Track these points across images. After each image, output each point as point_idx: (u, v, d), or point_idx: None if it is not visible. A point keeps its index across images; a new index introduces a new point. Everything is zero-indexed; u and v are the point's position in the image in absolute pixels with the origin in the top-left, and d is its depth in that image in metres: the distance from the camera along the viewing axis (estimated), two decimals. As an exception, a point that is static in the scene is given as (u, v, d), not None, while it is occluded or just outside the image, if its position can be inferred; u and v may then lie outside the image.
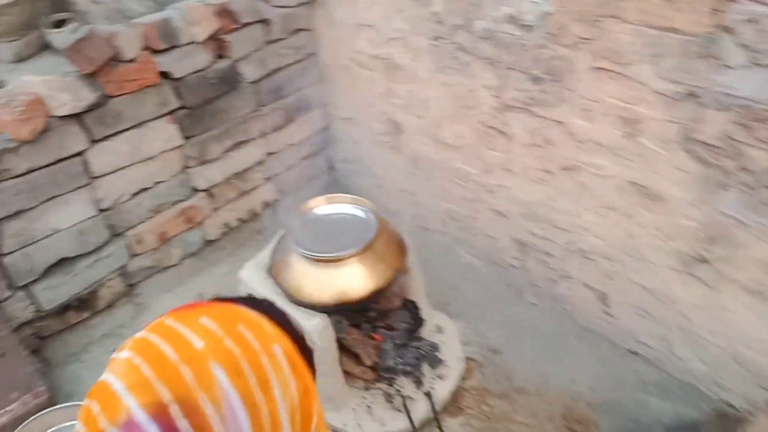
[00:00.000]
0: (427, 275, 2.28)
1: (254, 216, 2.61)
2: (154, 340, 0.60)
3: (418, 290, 1.96)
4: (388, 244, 1.74)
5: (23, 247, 1.97)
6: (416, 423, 1.78)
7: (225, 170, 2.41)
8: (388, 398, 1.83)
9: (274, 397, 0.60)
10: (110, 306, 2.26)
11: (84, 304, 2.17)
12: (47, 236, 2.01)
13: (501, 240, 2.22)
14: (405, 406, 1.79)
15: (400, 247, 1.79)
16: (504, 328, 2.13)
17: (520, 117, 1.92)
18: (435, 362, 1.91)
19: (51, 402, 2.03)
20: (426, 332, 2.01)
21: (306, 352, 0.72)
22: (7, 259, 1.95)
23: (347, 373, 1.83)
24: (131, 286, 2.31)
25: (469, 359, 2.02)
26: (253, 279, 1.79)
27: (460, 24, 1.95)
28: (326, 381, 1.75)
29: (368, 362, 1.83)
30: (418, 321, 1.98)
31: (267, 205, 2.65)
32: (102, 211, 2.11)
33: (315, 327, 1.66)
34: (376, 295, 1.74)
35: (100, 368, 2.08)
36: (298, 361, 0.66)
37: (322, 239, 1.73)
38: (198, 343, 0.59)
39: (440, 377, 1.88)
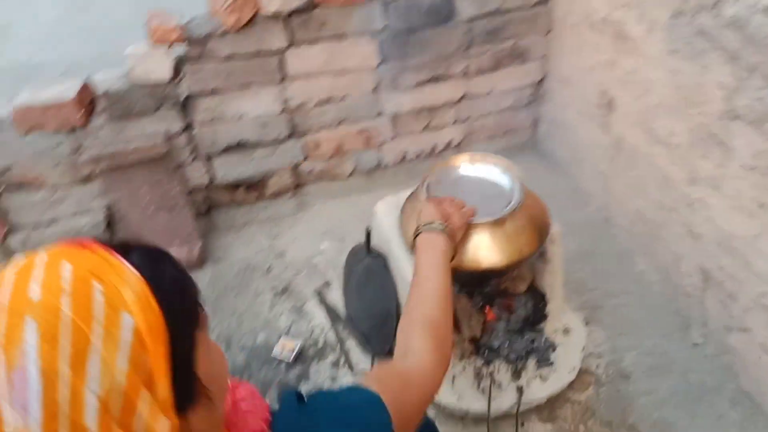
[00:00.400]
0: (584, 271, 2.07)
1: (432, 153, 2.56)
2: (7, 275, 0.57)
3: (553, 283, 1.77)
4: (527, 222, 1.57)
5: (212, 121, 2.17)
6: (493, 412, 1.66)
7: (416, 101, 2.38)
8: (477, 376, 1.72)
9: (85, 373, 0.53)
10: (276, 195, 2.42)
11: (253, 187, 2.36)
12: (233, 120, 2.18)
13: (686, 262, 1.89)
14: (489, 391, 1.67)
15: (540, 230, 1.61)
16: (648, 356, 1.86)
17: (748, 132, 1.57)
18: (543, 362, 1.74)
19: (202, 257, 2.27)
20: (549, 328, 1.83)
21: (188, 324, 0.64)
22: (196, 130, 2.17)
23: (444, 337, 1.76)
24: (299, 184, 2.45)
25: (587, 372, 1.81)
26: (384, 215, 1.77)
27: (708, 3, 1.62)
28: (418, 336, 1.69)
29: (467, 334, 1.73)
30: (540, 313, 1.80)
31: (450, 146, 2.58)
32: (287, 109, 2.23)
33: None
34: (499, 272, 1.61)
35: (251, 246, 2.24)
36: (151, 343, 0.57)
37: (458, 197, 1.63)
38: (35, 292, 0.54)
39: (542, 378, 1.71)
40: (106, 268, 0.58)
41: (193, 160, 2.22)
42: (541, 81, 2.54)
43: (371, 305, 1.85)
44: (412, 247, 1.33)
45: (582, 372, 1.81)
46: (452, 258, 1.33)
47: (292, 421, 0.80)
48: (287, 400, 0.82)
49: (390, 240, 1.70)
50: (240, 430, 0.78)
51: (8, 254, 2.17)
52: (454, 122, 2.52)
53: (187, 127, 2.16)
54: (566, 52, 2.33)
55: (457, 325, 1.73)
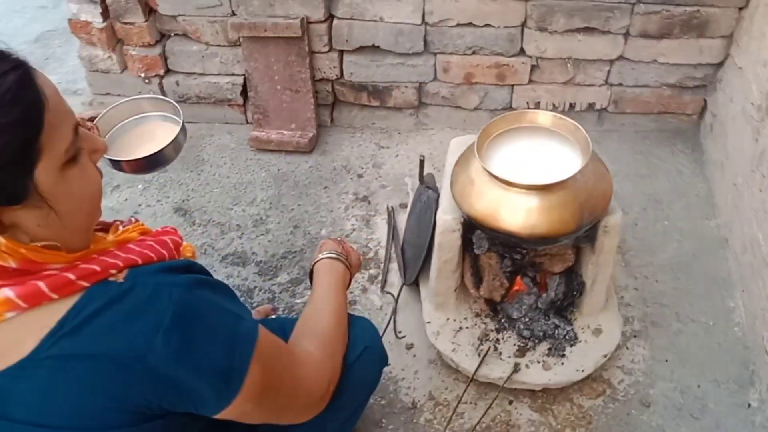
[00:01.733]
0: (666, 284, 1.87)
1: (570, 110, 2.36)
2: None
3: (597, 277, 1.61)
4: (572, 201, 1.43)
5: (351, 19, 2.22)
6: (481, 377, 1.61)
7: (562, 48, 2.18)
8: (482, 338, 1.67)
9: None
10: (397, 109, 2.44)
11: (377, 94, 2.39)
12: (372, 21, 2.21)
13: None
14: (484, 357, 1.61)
15: (587, 213, 1.45)
16: (683, 395, 1.61)
17: None
18: (556, 351, 1.63)
19: (312, 145, 2.41)
20: (581, 322, 1.68)
21: (15, 131, 0.73)
22: (335, 22, 2.24)
23: (465, 287, 1.71)
24: (422, 104, 2.43)
25: (604, 382, 1.66)
26: (453, 153, 1.71)
27: None
28: (438, 277, 1.67)
29: (484, 294, 1.66)
30: (568, 300, 1.66)
31: (593, 108, 2.35)
32: (426, 23, 2.19)
33: (445, 222, 1.56)
34: (534, 242, 1.51)
35: (357, 149, 2.39)
36: None
37: (513, 156, 1.53)
38: None
39: (545, 366, 1.60)
40: None
41: (328, 51, 2.30)
42: (719, 64, 2.17)
43: (417, 236, 1.85)
44: (311, 274, 1.35)
45: (597, 380, 1.66)
46: (348, 287, 1.36)
47: (168, 283, 0.86)
48: (188, 281, 0.88)
49: (445, 178, 1.66)
50: (129, 251, 0.90)
51: (162, 93, 2.49)
52: (603, 84, 2.28)
53: (329, 18, 2.24)
54: (755, 37, 1.95)
55: (479, 281, 1.67)
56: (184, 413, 0.91)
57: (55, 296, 0.80)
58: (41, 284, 0.79)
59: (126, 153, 1.45)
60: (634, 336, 1.76)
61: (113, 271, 0.85)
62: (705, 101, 2.31)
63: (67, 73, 2.89)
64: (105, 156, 1.38)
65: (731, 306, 1.82)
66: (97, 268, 0.83)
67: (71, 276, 0.81)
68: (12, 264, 0.78)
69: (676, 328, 1.78)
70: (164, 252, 0.96)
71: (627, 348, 1.74)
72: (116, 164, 1.41)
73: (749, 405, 1.61)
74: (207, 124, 2.56)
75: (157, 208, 2.24)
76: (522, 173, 1.47)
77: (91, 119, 1.41)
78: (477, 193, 1.49)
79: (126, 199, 2.28)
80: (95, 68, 2.49)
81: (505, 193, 1.45)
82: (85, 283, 0.82)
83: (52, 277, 0.80)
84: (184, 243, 1.18)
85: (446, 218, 1.56)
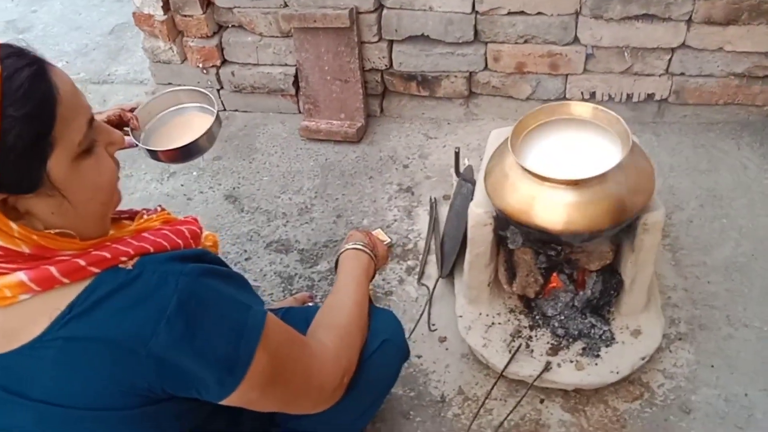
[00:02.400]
0: (720, 286, 1.80)
1: (627, 101, 2.25)
2: None
3: (636, 276, 1.54)
4: (607, 197, 1.37)
5: (400, 8, 2.21)
6: (510, 374, 1.57)
7: (619, 36, 2.09)
8: (514, 334, 1.63)
9: None
10: (447, 98, 2.41)
11: (426, 83, 2.37)
12: (421, 10, 2.19)
13: None
14: (514, 354, 1.58)
15: (624, 210, 1.38)
16: (728, 403, 1.51)
17: None
18: (590, 351, 1.57)
19: (359, 135, 2.42)
20: (619, 322, 1.62)
21: (30, 123, 0.77)
22: (384, 12, 2.23)
23: (499, 283, 1.68)
24: (472, 93, 2.39)
25: (643, 385, 1.58)
26: (492, 145, 1.67)
27: None
28: (471, 270, 1.64)
29: (517, 290, 1.62)
30: (605, 300, 1.60)
31: (652, 99, 2.24)
32: (476, 12, 2.15)
33: (476, 216, 1.53)
34: (568, 239, 1.46)
35: (404, 139, 2.43)
36: None
37: (549, 149, 1.48)
38: None
39: (578, 366, 1.55)
40: None
41: (377, 41, 2.30)
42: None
43: (455, 228, 1.83)
44: (336, 263, 1.37)
45: (635, 382, 1.60)
46: (371, 278, 1.37)
47: (175, 272, 0.88)
48: (196, 270, 0.90)
49: (481, 171, 1.63)
50: (142, 240, 0.93)
51: (219, 83, 2.57)
52: (663, 74, 2.17)
53: (378, 8, 2.24)
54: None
55: (512, 277, 1.63)
56: (190, 398, 0.94)
57: (66, 281, 0.83)
58: (53, 269, 0.83)
59: (164, 143, 1.51)
60: (679, 339, 1.67)
61: (124, 259, 0.88)
62: (778, 91, 2.15)
63: (135, 64, 3.02)
64: (142, 146, 1.46)
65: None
66: (108, 255, 0.87)
67: (82, 262, 0.85)
68: (25, 249, 0.82)
69: (726, 332, 1.68)
70: (179, 241, 0.98)
71: (670, 351, 1.65)
72: (153, 154, 1.47)
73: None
74: (261, 114, 2.62)
75: (209, 195, 2.31)
76: (557, 167, 1.42)
77: (132, 110, 1.48)
78: (510, 187, 1.46)
79: (182, 185, 2.37)
80: (157, 59, 2.60)
81: (539, 187, 1.41)
82: (95, 269, 0.86)
83: (64, 263, 0.84)
84: (207, 233, 1.21)
85: (478, 212, 1.54)
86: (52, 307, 0.84)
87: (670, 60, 2.13)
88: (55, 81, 0.81)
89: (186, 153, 1.49)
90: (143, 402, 0.89)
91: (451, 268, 1.78)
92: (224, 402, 0.94)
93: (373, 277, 1.39)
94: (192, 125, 1.54)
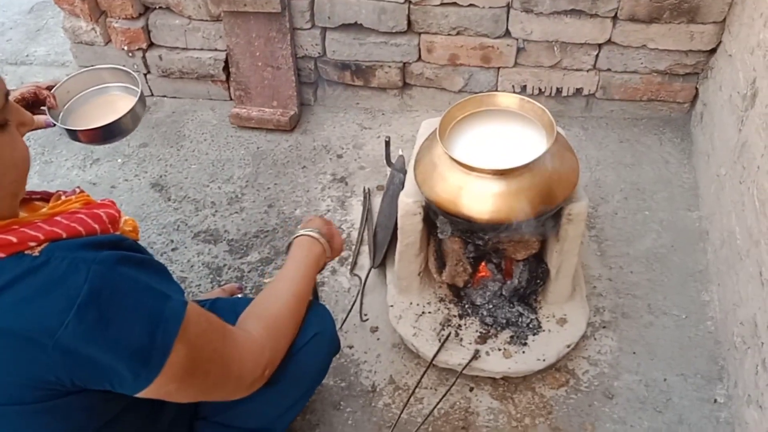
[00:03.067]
0: (640, 275, 1.86)
1: (557, 95, 2.30)
2: None
3: (561, 266, 1.57)
4: (532, 186, 1.39)
5: (332, -5, 2.18)
6: (440, 363, 1.58)
7: (549, 31, 2.12)
8: (444, 323, 1.64)
9: None
10: (382, 89, 2.40)
11: (360, 73, 2.35)
12: (354, -3, 2.17)
13: (744, 308, 1.50)
14: (444, 342, 1.58)
15: (548, 199, 1.40)
16: (648, 388, 1.57)
17: None
18: (518, 339, 1.59)
19: (292, 123, 2.38)
20: (546, 311, 1.65)
21: None
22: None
23: (430, 272, 1.68)
24: (407, 84, 2.38)
25: (568, 372, 1.62)
26: (422, 136, 1.66)
27: None
28: (401, 260, 1.64)
29: (447, 279, 1.63)
30: (532, 290, 1.63)
31: (580, 94, 2.29)
32: (409, 1, 2.14)
33: (406, 206, 1.52)
34: (494, 228, 1.47)
35: (338, 129, 2.38)
36: None
37: (477, 139, 1.49)
38: None
39: (506, 354, 1.57)
40: None
41: (310, 28, 2.26)
42: (711, 51, 2.10)
43: (387, 218, 1.82)
44: (288, 247, 1.32)
45: (561, 369, 1.63)
46: (320, 270, 1.34)
47: (88, 259, 0.83)
48: (110, 258, 0.85)
49: (410, 161, 1.63)
50: (55, 224, 0.87)
51: (145, 67, 2.47)
52: (591, 69, 2.22)
53: (311, -6, 2.20)
54: (746, 23, 1.88)
55: (442, 266, 1.63)
56: (103, 391, 0.89)
57: None
58: None
59: (84, 123, 1.44)
60: (603, 327, 1.72)
61: (32, 244, 0.82)
62: (697, 89, 2.24)
63: (56, 45, 2.87)
64: (61, 125, 1.38)
65: (706, 300, 1.77)
66: (14, 240, 0.81)
67: None
68: None
69: (647, 320, 1.74)
70: (95, 226, 0.92)
71: (595, 339, 1.70)
72: (72, 134, 1.39)
73: (715, 400, 1.56)
74: (190, 100, 2.54)
75: (134, 183, 2.22)
76: (484, 157, 1.43)
77: (49, 88, 1.40)
78: (439, 177, 1.46)
79: (105, 172, 2.27)
80: (79, 40, 2.47)
81: (466, 177, 1.42)
82: None
83: None
84: (126, 217, 1.15)
85: (408, 201, 1.53)
86: None
87: (597, 56, 2.19)
88: None
89: (107, 133, 1.41)
90: (51, 396, 0.84)
91: (383, 258, 1.78)
92: (140, 395, 0.89)
93: (322, 268, 1.35)
94: (115, 105, 1.47)
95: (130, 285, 0.86)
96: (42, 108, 1.31)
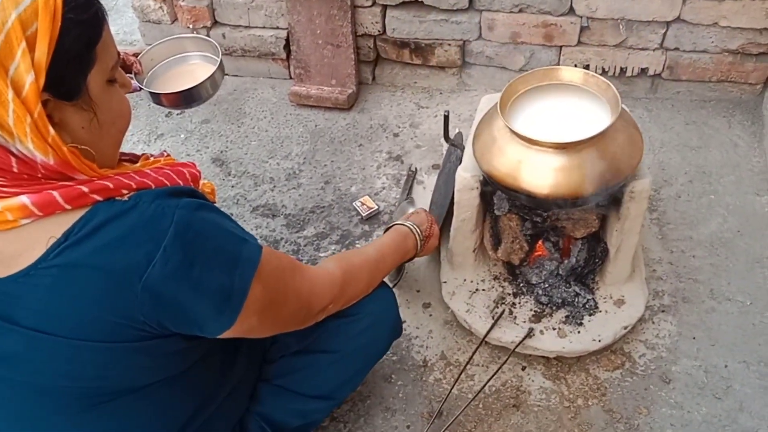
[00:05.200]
0: (702, 260, 1.81)
1: (620, 75, 2.24)
2: None
3: (621, 245, 1.53)
4: (593, 161, 1.36)
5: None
6: (493, 340, 1.57)
7: (615, 8, 2.06)
8: (498, 301, 1.63)
9: None
10: (440, 68, 2.39)
11: (420, 51, 2.34)
12: (415, -26, 2.16)
13: None
14: (497, 319, 1.57)
15: (610, 176, 1.37)
16: (708, 374, 1.52)
17: None
18: (573, 319, 1.57)
19: (350, 101, 2.39)
20: (603, 292, 1.62)
21: (83, 33, 0.83)
22: (378, -25, 2.20)
23: (485, 249, 1.67)
24: (466, 63, 2.36)
25: (624, 355, 1.59)
26: (482, 111, 1.65)
27: None
28: (456, 236, 1.63)
29: (502, 256, 1.61)
30: (590, 269, 1.59)
31: (645, 74, 2.22)
32: (470, -22, 2.12)
33: (463, 180, 1.52)
34: (553, 204, 1.45)
35: (396, 108, 2.38)
36: (43, 17, 0.77)
37: (538, 113, 1.47)
38: None
39: (560, 334, 1.55)
40: None
41: (371, 5, 2.27)
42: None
43: (442, 195, 1.81)
44: (387, 229, 1.44)
45: (617, 352, 1.60)
46: (404, 261, 1.47)
47: (172, 205, 0.88)
48: (192, 204, 0.90)
49: (469, 136, 1.62)
50: (144, 176, 0.94)
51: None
52: (658, 48, 2.15)
53: (372, -28, 2.20)
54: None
55: (498, 243, 1.62)
56: (184, 338, 0.94)
57: (68, 207, 0.83)
58: (56, 194, 0.83)
59: (167, 88, 1.53)
60: (662, 311, 1.68)
61: (124, 191, 0.88)
62: (773, 69, 2.14)
63: (125, 25, 2.97)
64: (145, 89, 1.46)
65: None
66: (110, 185, 0.87)
67: (85, 189, 0.85)
68: (50, 160, 0.82)
69: (709, 305, 1.68)
70: (179, 181, 0.99)
71: (653, 322, 1.66)
72: (155, 97, 1.49)
73: (780, 390, 1.51)
74: (251, 78, 2.58)
75: (196, 158, 2.29)
76: (546, 131, 1.41)
77: (135, 55, 1.48)
78: (498, 151, 1.45)
79: (168, 147, 2.34)
80: (147, 18, 2.55)
81: (526, 151, 1.40)
82: (97, 197, 0.86)
83: (67, 188, 0.84)
84: (204, 181, 1.21)
85: (465, 176, 1.52)
86: (49, 233, 0.83)
87: (664, 34, 2.11)
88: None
89: (188, 98, 1.52)
90: (136, 337, 0.89)
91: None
92: (225, 334, 0.95)
93: (407, 261, 1.47)
94: (195, 73, 1.56)
95: (211, 228, 0.91)
96: (128, 75, 1.38)
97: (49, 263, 0.82)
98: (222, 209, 1.13)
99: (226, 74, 2.61)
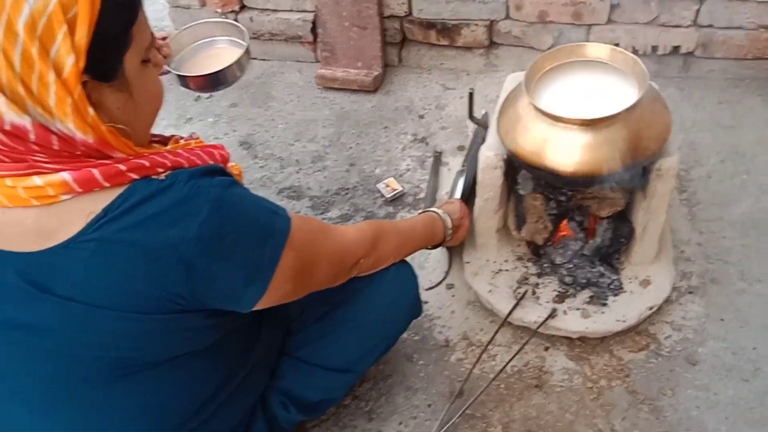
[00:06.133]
0: (734, 241, 1.77)
1: (652, 54, 2.19)
2: None
3: (648, 224, 1.51)
4: (622, 137, 1.33)
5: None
6: (515, 320, 1.57)
7: (646, -16, 2.02)
8: (520, 281, 1.62)
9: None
10: (467, 48, 2.37)
11: (446, 32, 2.33)
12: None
13: None
14: (520, 299, 1.57)
15: (638, 152, 1.35)
16: (736, 356, 1.49)
17: None
18: (597, 300, 1.55)
19: (376, 84, 2.39)
20: (628, 272, 1.59)
21: (122, 16, 0.85)
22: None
23: (509, 230, 1.66)
24: (493, 44, 2.34)
25: (649, 336, 1.57)
26: (507, 90, 1.64)
27: None
28: (480, 216, 1.62)
29: (526, 236, 1.60)
30: (615, 248, 1.57)
31: (678, 52, 2.17)
32: (497, -43, 2.09)
33: (487, 159, 1.51)
34: (578, 182, 1.43)
35: (422, 89, 2.37)
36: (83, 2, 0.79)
37: (564, 91, 1.45)
38: None
39: (584, 314, 1.53)
40: None
41: (397, -12, 2.26)
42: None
43: (467, 174, 1.80)
44: (422, 212, 1.48)
45: (642, 333, 1.58)
46: (429, 246, 1.50)
47: (206, 184, 0.91)
48: (225, 182, 0.93)
49: (494, 114, 1.60)
50: (178, 155, 0.96)
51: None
52: (690, 25, 2.09)
53: (398, -47, 2.19)
54: None
55: (522, 223, 1.61)
56: (215, 313, 0.97)
57: (106, 184, 0.86)
58: (95, 171, 0.85)
59: (193, 72, 1.56)
60: (690, 292, 1.65)
61: (160, 170, 0.91)
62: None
63: (156, 11, 3.00)
64: (174, 71, 1.49)
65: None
66: (147, 164, 0.90)
67: (122, 167, 0.87)
68: (89, 138, 0.85)
69: (739, 287, 1.65)
70: (210, 161, 1.02)
71: (680, 304, 1.63)
72: (183, 80, 1.53)
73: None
74: (279, 62, 2.60)
75: (224, 141, 2.31)
76: (571, 108, 1.39)
77: (164, 38, 1.51)
78: (523, 129, 1.43)
79: (197, 131, 2.37)
80: (177, 4, 2.59)
81: (551, 128, 1.38)
82: (134, 176, 0.88)
83: (106, 166, 0.86)
84: (232, 163, 1.22)
85: (488, 154, 1.51)
86: (88, 209, 0.86)
87: (698, 10, 2.06)
88: None
89: (215, 81, 1.55)
90: (168, 309, 0.92)
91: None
92: (259, 305, 0.98)
93: (435, 247, 1.51)
94: (222, 57, 1.59)
95: (243, 203, 0.95)
96: None
97: (88, 237, 0.85)
98: (241, 168, 1.17)
99: (254, 58, 2.65)
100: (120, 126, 0.89)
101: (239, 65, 1.56)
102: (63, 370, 0.95)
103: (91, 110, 0.83)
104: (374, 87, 2.38)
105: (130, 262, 0.86)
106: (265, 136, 2.31)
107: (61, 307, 0.88)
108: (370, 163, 2.14)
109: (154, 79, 0.97)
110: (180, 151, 0.98)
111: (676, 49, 2.17)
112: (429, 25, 2.32)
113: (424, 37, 2.37)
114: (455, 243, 1.56)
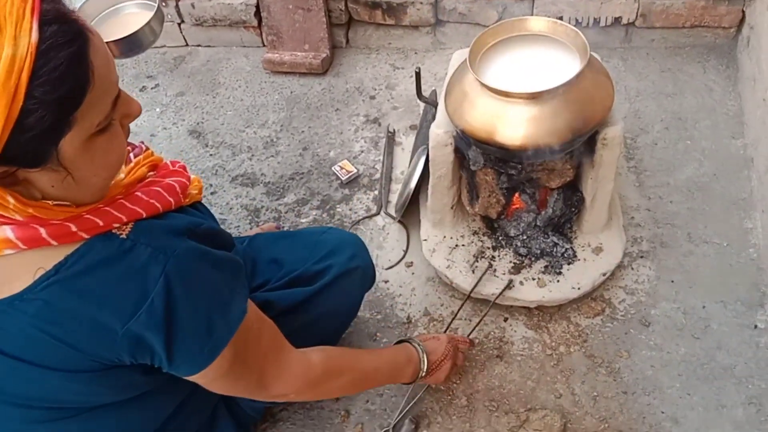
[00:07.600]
0: (679, 205, 1.82)
1: (594, 25, 2.22)
2: None
3: (596, 193, 1.54)
4: (566, 109, 1.36)
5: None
6: (473, 294, 1.59)
7: (585, -43, 2.05)
8: (478, 254, 1.64)
9: None
10: (414, 27, 2.36)
11: (391, 11, 2.31)
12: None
13: None
14: (482, 276, 1.59)
15: (584, 123, 1.37)
16: (686, 315, 1.56)
17: None
18: (552, 269, 1.59)
19: (324, 66, 2.37)
20: (581, 240, 1.63)
21: (55, 105, 0.71)
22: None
23: (463, 206, 1.68)
24: (439, 21, 2.34)
25: (604, 301, 1.61)
26: (456, 63, 1.64)
27: None
28: (433, 193, 1.64)
29: (480, 210, 1.62)
30: (566, 217, 1.61)
31: (619, 23, 2.21)
32: (439, -67, 2.09)
33: (437, 137, 1.52)
34: (527, 155, 1.45)
35: (371, 70, 2.33)
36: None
37: (508, 65, 1.46)
38: None
39: (540, 284, 1.57)
40: (18, 16, 0.68)
41: (340, -33, 2.24)
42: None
43: (418, 155, 1.81)
44: (397, 343, 1.37)
45: (597, 299, 1.63)
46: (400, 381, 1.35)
47: (169, 251, 0.87)
48: (189, 252, 0.89)
49: (441, 92, 1.61)
50: (136, 202, 0.90)
51: (179, 17, 2.48)
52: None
53: (339, -68, 2.16)
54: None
55: (474, 198, 1.63)
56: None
57: (54, 243, 0.81)
58: (42, 230, 0.80)
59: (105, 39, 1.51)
60: (641, 257, 1.70)
61: (116, 225, 0.86)
62: (743, 12, 2.13)
63: None
64: None
65: (749, 227, 1.72)
66: (100, 223, 0.85)
67: (73, 227, 0.82)
68: (18, 218, 0.79)
69: (687, 249, 1.71)
70: (171, 200, 0.97)
71: (632, 268, 1.68)
72: None
73: (756, 326, 1.54)
74: (224, 48, 2.55)
75: (172, 131, 2.27)
76: (516, 83, 1.41)
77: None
78: (470, 105, 1.44)
79: (144, 122, 2.31)
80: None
81: (498, 103, 1.40)
82: (85, 235, 0.83)
83: (55, 226, 0.81)
84: (192, 176, 1.16)
85: (438, 132, 1.52)
86: (37, 264, 0.81)
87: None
88: (93, 61, 0.74)
89: (128, 46, 1.51)
90: (105, 367, 0.90)
91: (415, 194, 1.78)
92: (188, 379, 0.98)
93: (405, 382, 1.36)
94: (132, 23, 1.55)
95: (200, 286, 0.91)
96: None
97: (35, 295, 0.81)
98: (202, 181, 1.13)
99: (199, 45, 2.59)
100: (57, 202, 0.81)
101: (150, 28, 1.54)
102: (3, 412, 0.95)
103: (10, 199, 0.76)
104: (323, 69, 2.36)
105: (76, 329, 0.84)
106: (214, 124, 2.27)
107: (8, 364, 0.87)
108: (323, 146, 2.13)
109: (110, 146, 0.81)
110: (138, 194, 0.92)
111: (617, 20, 2.20)
112: (374, 4, 2.31)
113: (370, 17, 2.35)
114: (431, 383, 1.44)
